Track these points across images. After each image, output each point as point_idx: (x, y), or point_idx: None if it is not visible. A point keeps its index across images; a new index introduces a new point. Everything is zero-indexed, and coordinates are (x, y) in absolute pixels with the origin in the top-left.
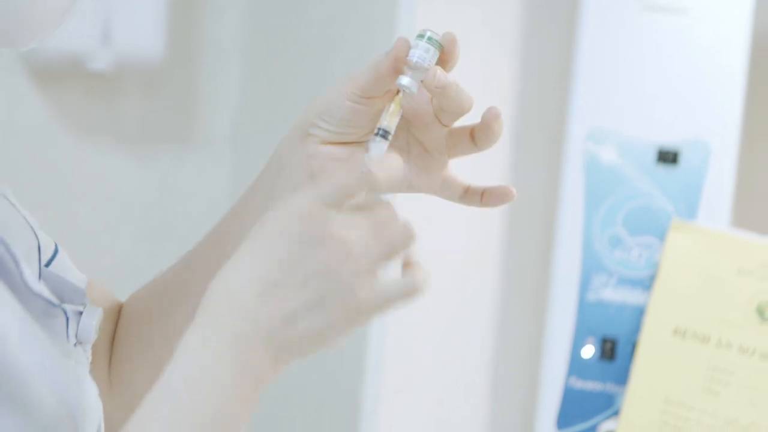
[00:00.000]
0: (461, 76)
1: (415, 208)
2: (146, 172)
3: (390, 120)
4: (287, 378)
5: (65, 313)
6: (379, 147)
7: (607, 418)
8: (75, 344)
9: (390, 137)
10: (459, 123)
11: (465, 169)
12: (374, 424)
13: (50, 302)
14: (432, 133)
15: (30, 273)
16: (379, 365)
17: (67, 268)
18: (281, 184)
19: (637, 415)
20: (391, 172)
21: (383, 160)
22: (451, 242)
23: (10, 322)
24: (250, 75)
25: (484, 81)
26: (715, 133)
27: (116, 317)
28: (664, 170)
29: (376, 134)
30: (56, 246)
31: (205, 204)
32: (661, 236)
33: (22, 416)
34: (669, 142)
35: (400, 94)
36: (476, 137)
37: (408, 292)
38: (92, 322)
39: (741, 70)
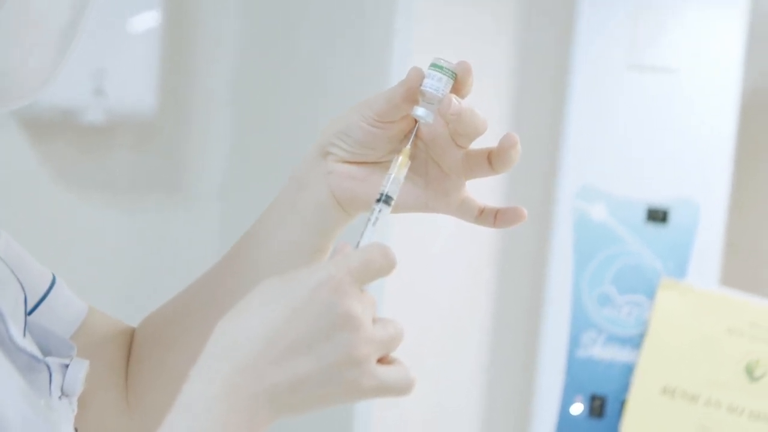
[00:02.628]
0: None
1: (406, 264)
2: (137, 223)
3: (397, 173)
4: None
5: (48, 367)
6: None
7: None
8: (60, 397)
9: (392, 202)
10: (475, 144)
11: (455, 224)
12: None
13: (34, 357)
14: (449, 155)
15: (15, 329)
16: (367, 424)
17: (65, 298)
18: (302, 201)
19: None
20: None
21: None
22: (440, 299)
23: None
24: (239, 129)
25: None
26: (705, 192)
27: (127, 342)
28: (653, 229)
29: (379, 200)
30: (54, 277)
31: (195, 255)
32: (651, 294)
33: None
34: (658, 200)
35: (408, 148)
36: (493, 161)
37: (405, 385)
38: (78, 374)
39: (730, 130)
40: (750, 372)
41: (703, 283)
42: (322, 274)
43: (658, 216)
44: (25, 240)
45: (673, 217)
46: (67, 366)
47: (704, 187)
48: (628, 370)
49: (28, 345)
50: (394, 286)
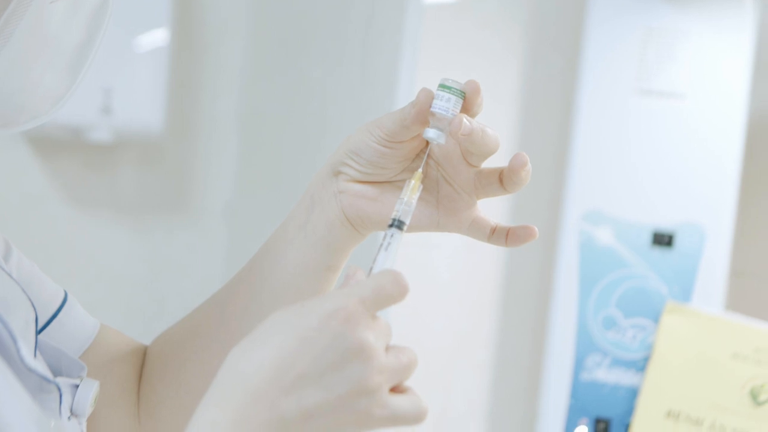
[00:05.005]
0: None
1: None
2: (143, 241)
3: (409, 197)
4: None
5: (59, 388)
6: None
7: None
8: (69, 417)
9: (405, 227)
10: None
11: (462, 247)
12: None
13: (45, 378)
14: (460, 174)
15: (26, 350)
16: None
17: (77, 315)
18: (313, 219)
19: None
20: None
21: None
22: (445, 320)
23: (5, 398)
24: (246, 149)
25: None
26: (710, 216)
27: (139, 360)
28: (659, 253)
29: (391, 225)
30: (65, 294)
31: (201, 274)
32: (656, 318)
33: None
34: (664, 224)
35: (420, 171)
36: (504, 181)
37: (417, 415)
38: (88, 395)
39: (736, 155)
40: (755, 396)
41: (708, 308)
42: (332, 304)
43: (663, 240)
44: (32, 257)
45: (678, 242)
46: (77, 386)
47: (710, 211)
48: (633, 393)
49: (39, 366)
50: (399, 307)
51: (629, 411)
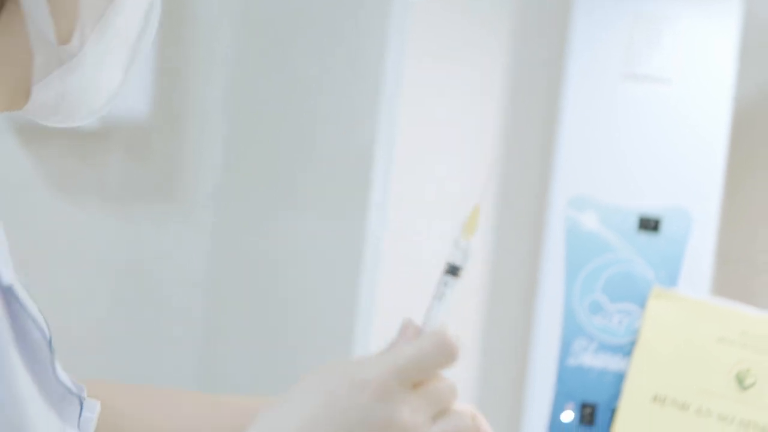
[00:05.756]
0: (447, 142)
1: (396, 272)
2: (129, 229)
3: (466, 238)
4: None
5: (81, 401)
6: (444, 300)
7: None
8: None
9: (461, 273)
10: None
11: (447, 237)
12: None
13: (70, 390)
14: None
15: (58, 362)
16: None
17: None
18: None
19: None
20: (458, 341)
21: (446, 330)
22: None
23: (32, 415)
24: (233, 136)
25: (469, 146)
26: (697, 201)
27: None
28: (645, 237)
29: (446, 272)
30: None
31: (187, 262)
32: (642, 303)
33: None
34: (650, 209)
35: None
36: None
37: None
38: (92, 416)
39: (723, 139)
40: (740, 381)
41: (694, 292)
42: (367, 373)
43: (649, 225)
44: (17, 246)
45: (665, 226)
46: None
47: (696, 196)
48: (619, 378)
49: (66, 379)
50: (386, 292)
51: (615, 396)
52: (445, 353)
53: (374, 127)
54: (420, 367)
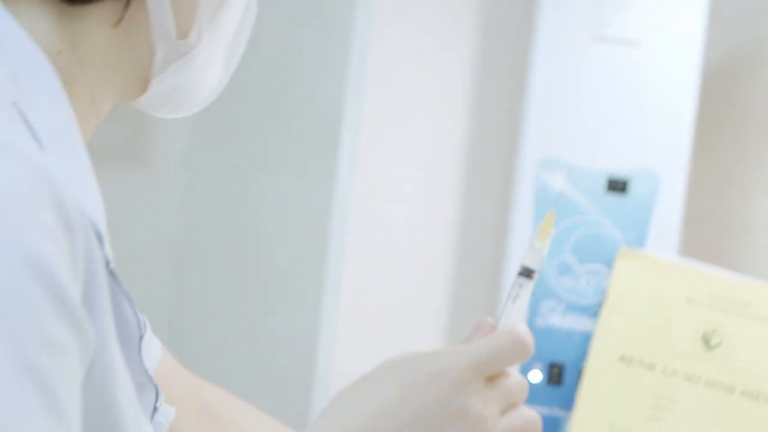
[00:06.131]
0: (414, 107)
1: (365, 235)
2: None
3: (541, 242)
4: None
5: (156, 390)
6: (521, 299)
7: None
8: None
9: (535, 275)
10: None
11: (416, 197)
12: None
13: (148, 376)
14: None
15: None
16: (325, 389)
17: (150, 338)
18: None
19: None
20: (531, 338)
21: (523, 327)
22: (401, 269)
23: (122, 392)
24: None
25: (438, 109)
26: (665, 163)
27: (195, 402)
28: (613, 199)
29: (520, 274)
30: (145, 321)
31: (157, 225)
32: (610, 264)
33: None
34: (619, 171)
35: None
36: None
37: None
38: (164, 421)
39: (691, 102)
40: (707, 341)
41: (661, 253)
42: (443, 364)
43: (618, 186)
44: None
45: (633, 188)
46: (156, 409)
47: (664, 158)
48: (587, 338)
49: (147, 363)
50: (354, 255)
51: (583, 356)
52: (520, 350)
53: (343, 89)
54: (496, 362)
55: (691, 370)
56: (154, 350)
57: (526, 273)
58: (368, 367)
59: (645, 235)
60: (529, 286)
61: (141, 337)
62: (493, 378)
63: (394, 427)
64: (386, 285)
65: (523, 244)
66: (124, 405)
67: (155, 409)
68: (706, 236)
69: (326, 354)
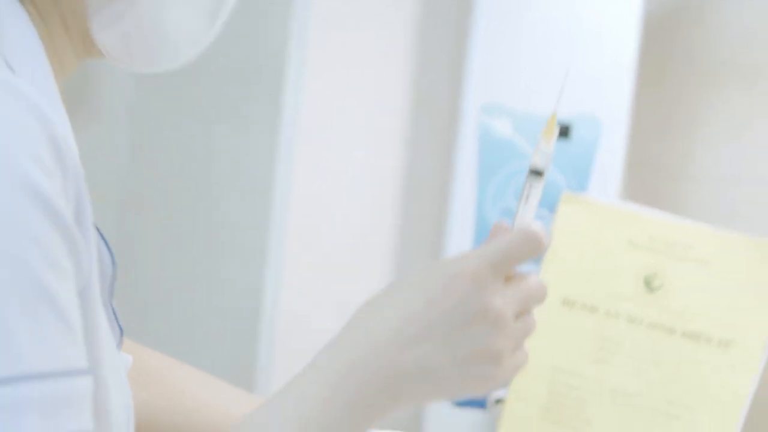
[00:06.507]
0: (359, 53)
1: (312, 183)
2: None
3: (546, 143)
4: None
5: (121, 331)
6: (534, 195)
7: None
8: None
9: (545, 174)
10: None
11: (361, 142)
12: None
13: (116, 318)
14: None
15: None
16: (270, 350)
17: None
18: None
19: (525, 383)
20: (546, 235)
21: (540, 227)
22: (346, 216)
23: (102, 329)
24: None
25: (381, 58)
26: (607, 108)
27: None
28: (556, 144)
29: (531, 173)
30: None
31: (103, 174)
32: (553, 209)
33: (105, 422)
34: (561, 116)
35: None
36: None
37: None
38: (125, 365)
39: (632, 48)
40: (648, 284)
41: (604, 197)
42: (462, 266)
43: (561, 131)
44: None
45: (575, 133)
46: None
47: (606, 103)
48: None
49: (115, 308)
50: (300, 199)
51: None
52: (533, 245)
53: (286, 34)
54: (510, 259)
55: (633, 313)
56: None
57: (536, 173)
58: (315, 307)
59: (587, 179)
60: (539, 185)
61: (114, 277)
62: (511, 279)
63: (422, 332)
64: (333, 227)
65: (468, 186)
66: (103, 337)
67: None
68: (648, 180)
69: (272, 296)
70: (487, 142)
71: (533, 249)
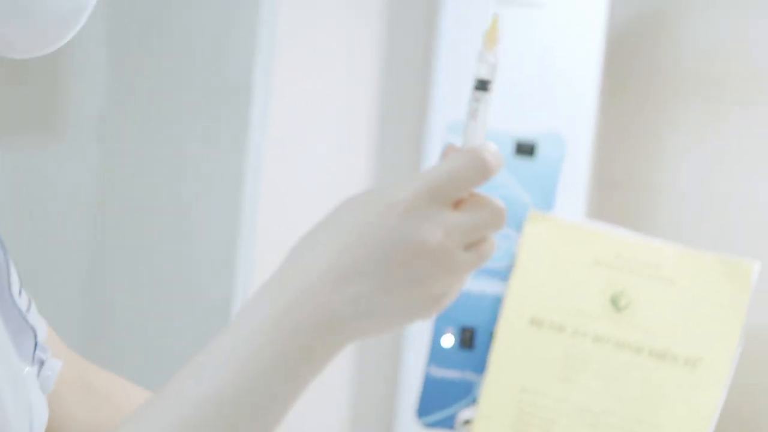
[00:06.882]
0: (325, 70)
1: (275, 207)
2: (11, 161)
3: (491, 50)
4: None
5: (35, 334)
6: (480, 115)
7: (466, 406)
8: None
9: (490, 86)
10: None
11: (329, 160)
12: None
13: (24, 319)
14: None
15: (17, 283)
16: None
17: (35, 314)
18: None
19: (493, 403)
20: (498, 157)
21: (488, 146)
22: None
23: None
24: (117, 63)
25: (347, 75)
26: (571, 125)
27: (77, 382)
28: (521, 162)
29: (476, 88)
30: (29, 300)
31: (71, 195)
32: (519, 227)
33: None
34: (526, 134)
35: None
36: None
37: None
38: (51, 375)
39: (596, 64)
40: (615, 302)
41: (569, 216)
42: (397, 194)
43: (525, 149)
44: None
45: (540, 151)
46: (42, 363)
47: (571, 120)
48: (498, 302)
49: (22, 304)
50: (268, 221)
51: (494, 319)
52: (479, 168)
53: (251, 58)
54: (453, 184)
55: (600, 332)
56: (39, 329)
57: (481, 86)
58: None
59: (553, 197)
60: (486, 99)
61: (9, 274)
62: (464, 205)
63: (354, 268)
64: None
65: None
66: None
67: (40, 361)
68: (614, 196)
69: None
70: None
71: (480, 171)
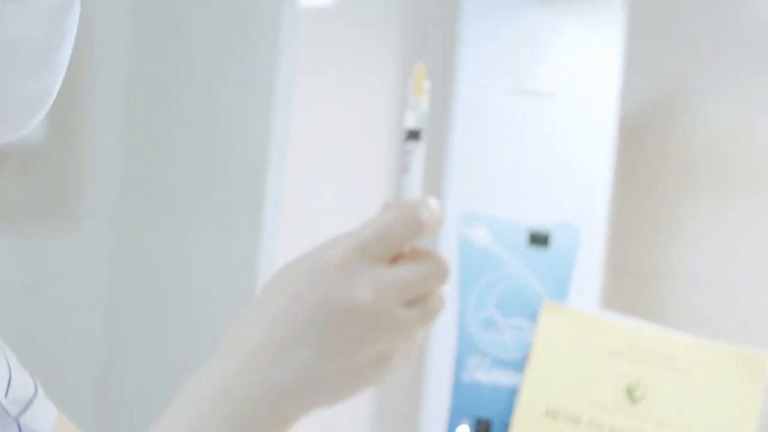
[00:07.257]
0: (338, 168)
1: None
2: (24, 250)
3: (418, 99)
4: None
5: (19, 427)
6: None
7: None
8: None
9: (423, 135)
10: None
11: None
12: None
13: (7, 412)
14: None
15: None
16: None
17: (43, 404)
18: None
19: None
20: (435, 211)
21: (425, 200)
22: None
23: None
24: (130, 154)
25: (361, 163)
26: (585, 215)
27: None
28: (535, 252)
29: (407, 138)
30: (36, 384)
31: (84, 282)
32: (532, 318)
33: None
34: (540, 224)
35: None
36: None
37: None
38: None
39: (608, 154)
40: (630, 393)
41: (584, 306)
42: (326, 255)
43: (539, 240)
44: None
45: (554, 241)
46: None
47: (584, 210)
48: (513, 393)
49: (9, 405)
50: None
51: (510, 411)
52: (410, 223)
53: (266, 144)
54: (382, 240)
55: (616, 423)
56: (48, 415)
57: (412, 136)
58: None
59: (567, 287)
60: (418, 150)
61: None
62: (402, 260)
63: (292, 338)
64: None
65: (449, 296)
66: None
67: None
68: (628, 286)
69: None
70: (467, 253)
71: (412, 226)
